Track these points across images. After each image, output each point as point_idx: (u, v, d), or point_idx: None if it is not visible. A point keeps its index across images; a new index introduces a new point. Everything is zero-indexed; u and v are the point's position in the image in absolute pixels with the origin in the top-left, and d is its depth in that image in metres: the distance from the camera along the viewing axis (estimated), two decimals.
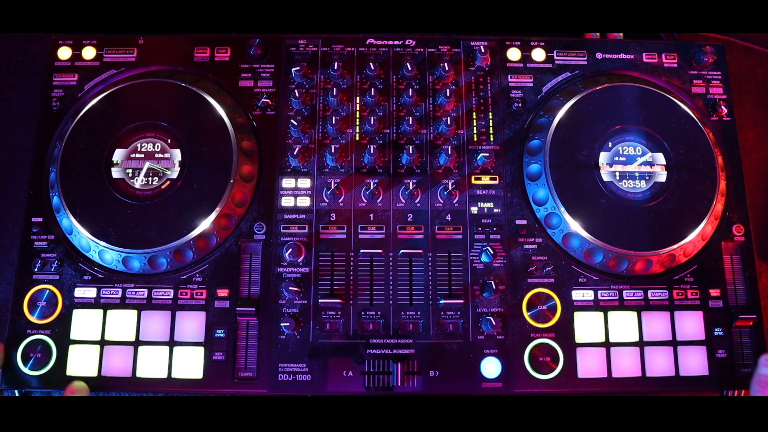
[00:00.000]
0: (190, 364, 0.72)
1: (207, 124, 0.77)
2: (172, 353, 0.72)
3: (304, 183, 0.78)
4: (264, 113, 0.81)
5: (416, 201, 0.78)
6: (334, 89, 0.80)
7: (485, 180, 0.79)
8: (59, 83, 0.82)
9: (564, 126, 0.78)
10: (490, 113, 0.82)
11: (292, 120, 0.79)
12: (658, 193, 0.77)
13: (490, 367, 0.72)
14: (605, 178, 0.77)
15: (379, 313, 0.74)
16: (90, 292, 0.74)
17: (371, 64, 0.81)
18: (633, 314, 0.75)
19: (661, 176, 0.77)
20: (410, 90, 0.80)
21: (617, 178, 0.77)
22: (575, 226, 0.74)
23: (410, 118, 0.79)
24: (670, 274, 0.76)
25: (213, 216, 0.73)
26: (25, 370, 0.71)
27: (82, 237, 0.73)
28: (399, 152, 0.79)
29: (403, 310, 0.74)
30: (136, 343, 0.72)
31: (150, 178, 0.75)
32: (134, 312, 0.73)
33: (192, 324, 0.73)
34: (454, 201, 0.78)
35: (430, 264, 0.75)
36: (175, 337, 0.73)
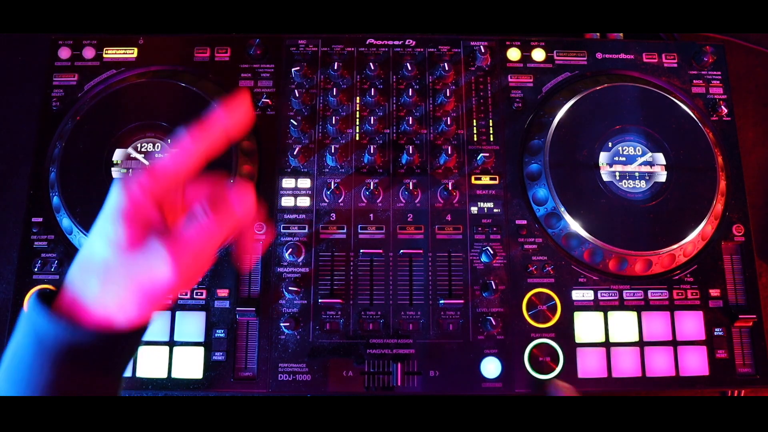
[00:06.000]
0: (190, 364, 0.72)
1: None
2: (172, 353, 0.72)
3: (304, 183, 0.78)
4: (264, 113, 0.81)
5: (416, 201, 0.77)
6: (334, 89, 0.80)
7: (485, 180, 0.79)
8: (59, 83, 0.82)
9: (564, 126, 0.78)
10: (490, 113, 0.81)
11: (292, 120, 0.79)
12: (658, 193, 0.77)
13: (490, 367, 0.72)
14: (605, 178, 0.77)
15: (379, 313, 0.74)
16: None
17: (371, 64, 0.81)
18: (633, 314, 0.75)
19: (661, 176, 0.77)
20: (410, 90, 0.80)
21: (617, 178, 0.77)
22: (575, 226, 0.74)
23: (410, 118, 0.79)
24: (670, 274, 0.76)
25: None
26: None
27: (82, 237, 0.73)
28: (399, 152, 0.79)
29: (403, 310, 0.74)
30: None
31: None
32: None
33: (192, 324, 0.73)
34: (454, 201, 0.78)
35: (430, 264, 0.75)
36: (175, 337, 0.73)
